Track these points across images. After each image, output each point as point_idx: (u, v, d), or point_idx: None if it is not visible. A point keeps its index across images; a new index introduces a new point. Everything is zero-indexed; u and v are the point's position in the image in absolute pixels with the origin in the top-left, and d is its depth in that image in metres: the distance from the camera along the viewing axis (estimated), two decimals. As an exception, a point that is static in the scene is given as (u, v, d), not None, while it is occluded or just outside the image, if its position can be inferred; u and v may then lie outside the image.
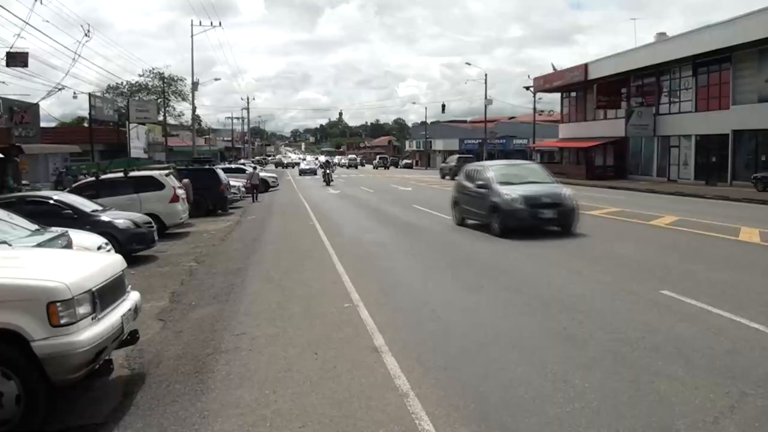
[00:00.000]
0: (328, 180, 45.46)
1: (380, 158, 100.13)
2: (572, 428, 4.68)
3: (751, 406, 5.00)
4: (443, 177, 51.41)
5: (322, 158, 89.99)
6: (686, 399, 5.15)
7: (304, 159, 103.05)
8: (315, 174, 63.93)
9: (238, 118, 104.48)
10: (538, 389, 5.44)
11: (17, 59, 29.38)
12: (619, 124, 44.75)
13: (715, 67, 37.02)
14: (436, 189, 37.86)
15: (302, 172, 68.57)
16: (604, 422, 4.75)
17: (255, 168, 39.91)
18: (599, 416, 4.86)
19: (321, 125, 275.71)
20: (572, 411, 4.97)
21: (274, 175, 45.72)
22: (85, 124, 53.48)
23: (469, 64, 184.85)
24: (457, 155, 59.89)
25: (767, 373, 5.67)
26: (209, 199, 24.28)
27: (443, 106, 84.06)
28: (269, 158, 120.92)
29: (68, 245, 9.39)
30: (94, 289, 5.16)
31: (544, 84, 57.61)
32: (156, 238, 14.18)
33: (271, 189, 39.64)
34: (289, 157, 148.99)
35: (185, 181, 20.45)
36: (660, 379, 5.58)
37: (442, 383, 5.66)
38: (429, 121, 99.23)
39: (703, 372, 5.75)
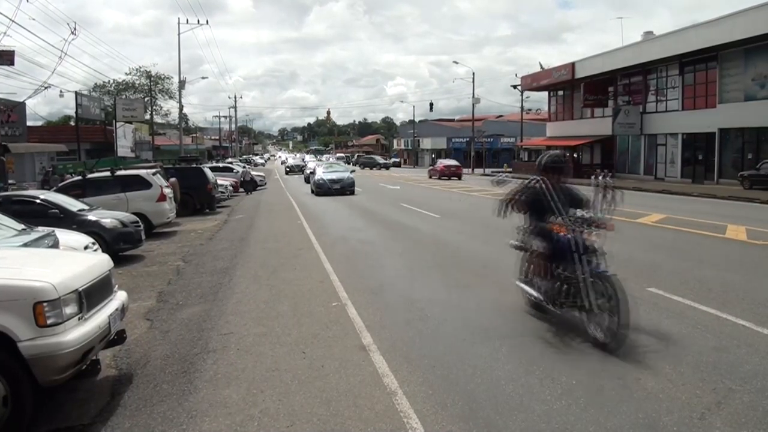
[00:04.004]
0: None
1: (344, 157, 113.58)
2: (559, 425, 4.70)
3: (738, 402, 5.04)
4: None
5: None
6: (673, 395, 5.19)
7: (302, 158, 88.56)
8: (349, 192, 32.42)
9: (225, 117, 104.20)
10: (525, 386, 5.46)
11: (3, 58, 29.23)
12: (606, 122, 45.00)
13: (702, 65, 37.27)
14: (424, 188, 37.89)
15: (322, 188, 32.42)
16: (592, 419, 4.77)
17: (265, 162, 48.02)
18: (586, 413, 4.88)
19: (309, 124, 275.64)
20: (560, 408, 5.00)
21: (261, 174, 45.65)
22: (72, 123, 53.15)
23: (456, 62, 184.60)
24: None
25: (753, 370, 5.72)
26: (196, 198, 24.22)
27: (431, 104, 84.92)
28: (256, 157, 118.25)
29: (55, 245, 9.34)
30: (80, 289, 5.13)
31: (531, 83, 57.81)
32: (143, 237, 14.12)
33: (258, 188, 39.72)
34: (279, 156, 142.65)
35: (172, 180, 20.35)
36: (647, 376, 5.62)
37: (431, 381, 5.67)
38: (417, 119, 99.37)
39: (690, 369, 5.79)
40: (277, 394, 5.48)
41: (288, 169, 72.33)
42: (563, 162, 7.99)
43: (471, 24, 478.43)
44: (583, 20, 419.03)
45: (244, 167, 42.63)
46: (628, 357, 6.16)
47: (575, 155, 50.34)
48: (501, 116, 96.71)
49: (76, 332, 4.91)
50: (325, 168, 36.37)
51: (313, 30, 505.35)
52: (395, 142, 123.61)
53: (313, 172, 36.71)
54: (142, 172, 18.60)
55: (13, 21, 31.64)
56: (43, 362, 4.71)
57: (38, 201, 13.35)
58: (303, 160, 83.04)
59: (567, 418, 4.81)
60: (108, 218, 13.37)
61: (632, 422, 4.72)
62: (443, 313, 8.08)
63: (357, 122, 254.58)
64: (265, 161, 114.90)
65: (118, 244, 13.01)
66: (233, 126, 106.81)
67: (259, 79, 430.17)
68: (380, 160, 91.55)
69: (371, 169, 79.52)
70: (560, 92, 55.54)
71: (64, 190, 16.49)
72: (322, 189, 32.24)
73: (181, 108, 59.97)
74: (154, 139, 60.09)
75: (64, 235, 10.42)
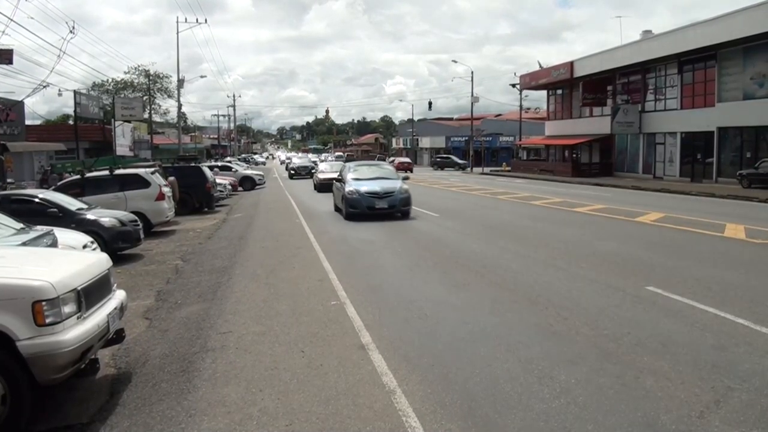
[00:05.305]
0: None
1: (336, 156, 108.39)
2: (558, 424, 4.70)
3: (737, 400, 5.04)
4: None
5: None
6: (672, 394, 5.19)
7: (307, 157, 72.25)
8: (402, 215, 19.64)
9: (224, 116, 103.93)
10: (524, 385, 5.46)
11: (2, 56, 29.17)
12: (604, 121, 44.98)
13: (701, 64, 37.25)
14: (423, 186, 37.89)
15: (357, 207, 19.39)
16: (590, 417, 4.77)
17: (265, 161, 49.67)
18: (585, 411, 4.88)
19: (307, 123, 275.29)
20: (558, 407, 5.00)
21: (260, 173, 45.57)
22: (71, 122, 53.02)
23: (455, 61, 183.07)
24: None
25: (752, 368, 5.72)
26: (195, 197, 24.18)
27: (430, 103, 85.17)
28: (257, 156, 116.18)
29: (53, 244, 9.32)
30: (79, 288, 5.12)
31: (530, 81, 57.79)
32: (142, 236, 14.09)
33: (257, 187, 39.70)
34: (278, 156, 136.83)
35: (171, 179, 20.33)
36: (645, 375, 5.62)
37: (429, 380, 5.67)
38: (416, 118, 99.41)
39: (689, 367, 5.79)
40: (276, 393, 5.48)
41: (293, 172, 53.29)
42: None
43: (470, 23, 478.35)
44: (582, 19, 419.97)
45: (214, 169, 33.88)
46: (626, 356, 6.17)
47: (574, 154, 50.41)
48: (500, 115, 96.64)
49: (75, 331, 4.91)
50: (356, 173, 21.19)
51: (312, 28, 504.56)
52: (394, 141, 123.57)
53: (341, 180, 21.09)
54: (140, 171, 18.58)
55: (11, 20, 31.53)
56: (42, 361, 4.71)
57: (37, 200, 13.33)
58: (309, 159, 66.24)
59: (566, 416, 4.81)
60: (107, 217, 13.35)
61: (631, 421, 4.72)
62: (442, 312, 8.08)
63: (356, 121, 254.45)
64: (266, 160, 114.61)
65: (116, 243, 13.00)
66: (232, 125, 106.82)
67: (257, 78, 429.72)
68: (457, 160, 75.36)
69: (441, 169, 71.42)
70: (559, 91, 55.49)
71: (63, 189, 16.47)
72: (358, 208, 19.45)
73: (179, 107, 59.72)
74: (152, 138, 60.02)
75: (63, 234, 10.40)
